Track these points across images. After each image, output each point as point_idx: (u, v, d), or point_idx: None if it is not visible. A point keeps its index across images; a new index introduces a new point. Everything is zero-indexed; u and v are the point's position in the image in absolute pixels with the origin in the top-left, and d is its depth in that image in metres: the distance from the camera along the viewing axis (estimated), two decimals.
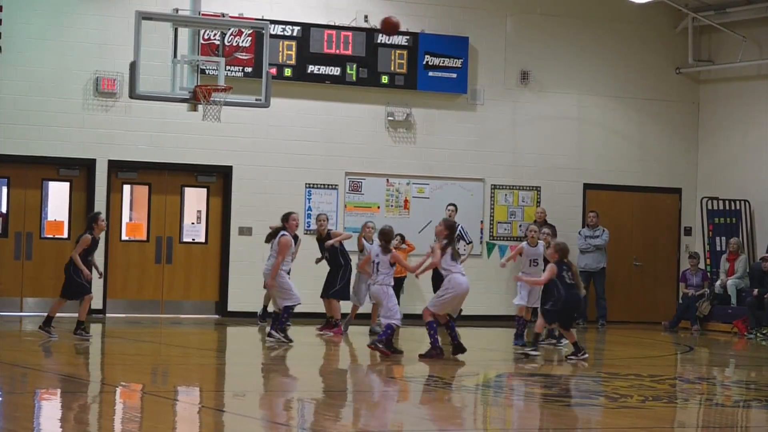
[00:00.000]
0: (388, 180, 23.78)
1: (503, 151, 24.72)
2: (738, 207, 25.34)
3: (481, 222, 24.70)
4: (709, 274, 24.29)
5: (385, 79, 23.53)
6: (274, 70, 22.08)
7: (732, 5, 25.29)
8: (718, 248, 24.96)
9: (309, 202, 23.45)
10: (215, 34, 21.21)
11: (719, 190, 25.62)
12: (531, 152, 24.97)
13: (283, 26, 22.84)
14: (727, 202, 25.13)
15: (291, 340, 16.42)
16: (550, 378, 13.62)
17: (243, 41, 22.49)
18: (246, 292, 22.53)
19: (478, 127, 24.30)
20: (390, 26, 16.61)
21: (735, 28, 25.32)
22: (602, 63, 25.87)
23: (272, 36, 21.48)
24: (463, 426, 9.45)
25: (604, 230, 23.47)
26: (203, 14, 20.27)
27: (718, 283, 22.99)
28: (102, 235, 21.15)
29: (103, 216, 18.19)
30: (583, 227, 24.76)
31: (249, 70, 22.08)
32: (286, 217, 16.87)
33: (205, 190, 23.49)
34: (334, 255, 18.65)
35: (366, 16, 23.36)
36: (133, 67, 18.78)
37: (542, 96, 24.89)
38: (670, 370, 16.04)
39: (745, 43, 24.91)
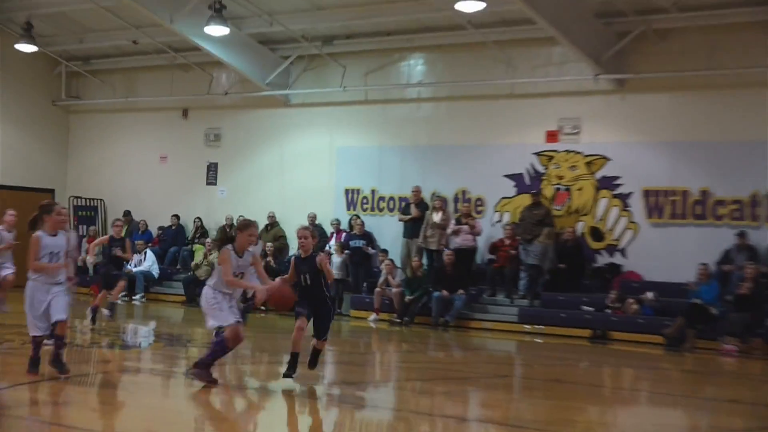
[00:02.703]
0: None
1: None
2: (96, 204, 31.37)
3: None
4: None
5: None
6: None
7: (96, 57, 31.42)
8: (82, 233, 30.19)
9: None
10: None
11: (84, 190, 31.51)
12: None
13: None
14: (89, 200, 31.30)
15: None
16: None
17: None
18: None
19: None
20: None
21: (98, 75, 31.49)
22: None
23: None
24: None
25: None
26: None
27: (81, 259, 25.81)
28: None
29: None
30: None
31: None
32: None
33: None
34: None
35: None
36: None
37: None
38: None
39: (104, 86, 31.51)
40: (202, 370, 11.11)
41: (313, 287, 11.25)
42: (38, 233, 11.44)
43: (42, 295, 11.33)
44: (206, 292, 11.45)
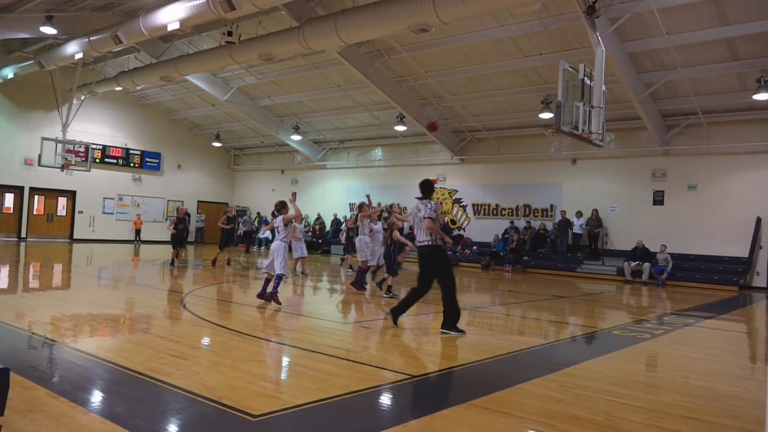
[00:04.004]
0: None
1: None
2: (245, 207, 28.36)
3: None
4: None
5: None
6: None
7: (246, 147, 29.21)
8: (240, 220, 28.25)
9: None
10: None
11: (240, 201, 28.82)
12: None
13: None
14: (243, 206, 28.18)
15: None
16: None
17: None
18: None
19: None
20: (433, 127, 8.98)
21: (246, 155, 29.33)
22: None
23: None
24: None
25: None
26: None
27: None
28: None
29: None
30: None
31: None
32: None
33: None
34: None
35: None
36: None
37: None
38: None
39: (249, 160, 29.17)
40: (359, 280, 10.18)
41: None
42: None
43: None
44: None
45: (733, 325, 9.51)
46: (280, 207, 8.49)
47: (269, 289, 8.43)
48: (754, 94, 14.32)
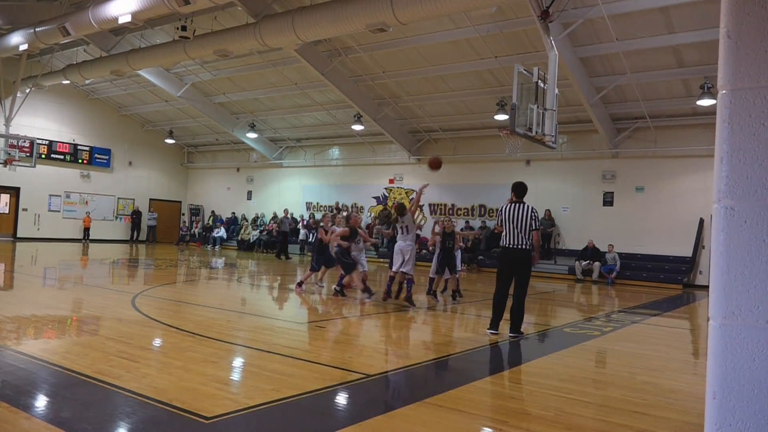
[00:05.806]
0: None
1: None
2: (199, 206, 28.43)
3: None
4: None
5: None
6: None
7: (200, 145, 28.67)
8: (192, 220, 27.77)
9: None
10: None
11: (194, 200, 28.76)
12: None
13: None
14: (196, 205, 28.52)
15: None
16: None
17: None
18: None
19: None
20: (435, 164, 8.91)
21: (200, 152, 28.97)
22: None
23: None
24: None
25: None
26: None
27: None
28: None
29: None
30: None
31: None
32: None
33: None
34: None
35: None
36: None
37: None
38: None
39: (203, 157, 28.95)
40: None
41: (451, 249, 9.97)
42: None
43: None
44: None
45: (677, 322, 9.75)
46: (402, 210, 8.82)
47: (402, 293, 8.98)
48: (698, 100, 14.75)
